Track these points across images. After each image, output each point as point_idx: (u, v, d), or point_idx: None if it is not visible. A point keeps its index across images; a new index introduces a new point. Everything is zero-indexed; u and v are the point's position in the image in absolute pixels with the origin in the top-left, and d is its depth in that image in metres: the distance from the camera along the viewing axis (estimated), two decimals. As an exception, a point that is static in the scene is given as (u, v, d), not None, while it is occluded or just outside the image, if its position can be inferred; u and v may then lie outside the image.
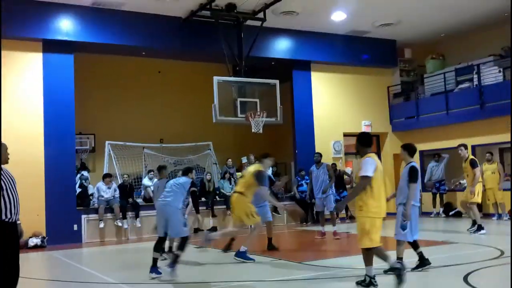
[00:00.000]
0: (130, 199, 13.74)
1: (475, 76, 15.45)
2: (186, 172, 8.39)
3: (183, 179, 8.10)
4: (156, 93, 17.61)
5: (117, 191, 13.55)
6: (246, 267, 8.38)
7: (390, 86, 18.07)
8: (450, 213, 15.65)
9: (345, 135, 17.33)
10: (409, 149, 7.42)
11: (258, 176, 8.75)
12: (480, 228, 11.18)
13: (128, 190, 13.89)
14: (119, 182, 14.27)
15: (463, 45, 17.48)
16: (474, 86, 15.51)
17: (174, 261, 7.52)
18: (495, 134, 15.01)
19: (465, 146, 11.46)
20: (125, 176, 14.21)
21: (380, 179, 6.23)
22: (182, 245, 7.59)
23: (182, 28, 14.43)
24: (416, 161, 7.65)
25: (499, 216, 14.01)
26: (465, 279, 6.46)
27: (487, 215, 14.38)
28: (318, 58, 16.67)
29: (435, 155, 16.13)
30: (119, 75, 17.02)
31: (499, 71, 14.99)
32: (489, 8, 14.81)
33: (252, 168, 9.08)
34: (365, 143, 6.41)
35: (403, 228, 7.01)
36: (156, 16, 13.99)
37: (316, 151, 11.90)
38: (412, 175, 7.06)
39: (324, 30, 16.18)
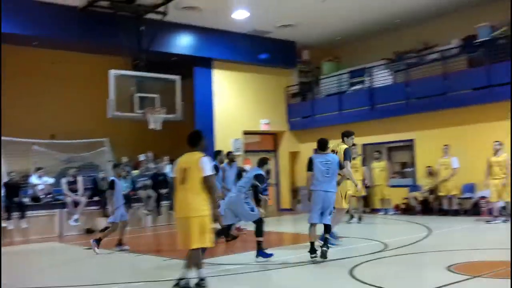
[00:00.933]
0: (16, 198, 12.86)
1: (367, 78, 16.27)
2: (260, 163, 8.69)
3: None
4: (48, 86, 16.65)
5: (3, 190, 12.62)
6: (137, 268, 8.19)
7: (289, 86, 18.54)
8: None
9: (245, 133, 17.53)
10: (318, 143, 8.21)
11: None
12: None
13: (14, 188, 12.99)
14: (5, 180, 13.27)
15: (357, 48, 18.36)
16: (366, 88, 16.34)
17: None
18: (384, 134, 15.94)
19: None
20: (12, 174, 13.29)
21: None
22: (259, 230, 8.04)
23: (79, 18, 13.70)
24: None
25: (386, 211, 14.90)
26: (351, 272, 6.76)
27: (374, 211, 15.22)
28: (220, 56, 16.70)
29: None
30: (7, 65, 15.84)
31: (390, 74, 15.91)
32: (382, 15, 15.66)
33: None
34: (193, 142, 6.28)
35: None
36: (50, 4, 13.23)
37: (217, 149, 11.88)
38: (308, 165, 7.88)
39: (226, 28, 16.23)
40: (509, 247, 8.34)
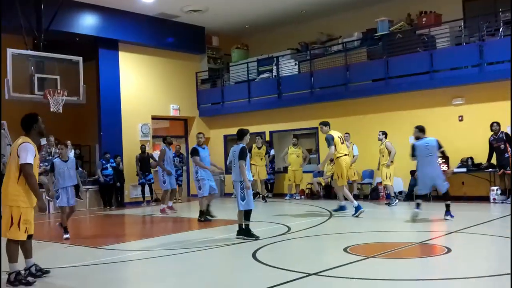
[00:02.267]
0: None
1: (275, 67, 16.63)
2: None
3: None
4: None
5: None
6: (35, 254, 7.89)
7: (198, 72, 18.48)
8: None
9: (153, 118, 17.28)
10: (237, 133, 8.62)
11: None
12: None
13: None
14: None
15: (265, 37, 18.70)
16: (274, 76, 16.69)
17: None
18: (290, 121, 16.43)
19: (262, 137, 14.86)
20: None
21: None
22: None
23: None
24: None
25: (291, 196, 15.42)
26: (254, 254, 6.98)
27: (280, 195, 15.72)
28: (126, 38, 16.28)
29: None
30: None
31: (295, 64, 16.35)
32: (289, 5, 16.04)
33: None
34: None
35: (242, 199, 8.23)
36: None
37: (199, 132, 11.80)
38: (241, 154, 8.23)
39: (132, 9, 15.85)
40: (400, 229, 9.03)
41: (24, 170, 5.63)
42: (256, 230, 8.47)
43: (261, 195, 14.89)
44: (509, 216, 9.14)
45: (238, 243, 8.01)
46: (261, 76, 17.17)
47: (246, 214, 8.36)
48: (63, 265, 6.97)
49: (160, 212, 12.80)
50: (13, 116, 15.15)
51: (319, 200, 14.58)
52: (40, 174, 13.95)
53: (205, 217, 10.91)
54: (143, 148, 15.85)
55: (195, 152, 10.95)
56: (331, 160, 14.64)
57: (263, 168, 15.14)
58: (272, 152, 16.37)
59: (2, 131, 15.06)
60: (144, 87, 17.03)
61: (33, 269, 5.97)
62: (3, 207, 5.65)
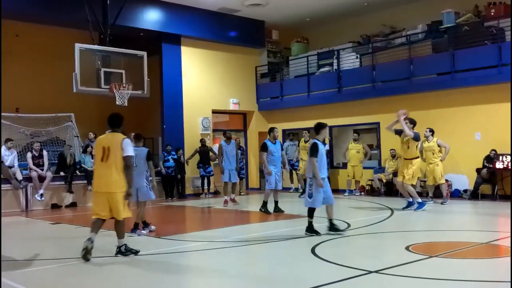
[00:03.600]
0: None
1: (335, 61, 16.43)
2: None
3: None
4: (13, 58, 16.20)
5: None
6: (103, 243, 8.20)
7: (258, 66, 18.54)
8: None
9: (214, 112, 17.51)
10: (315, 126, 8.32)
11: None
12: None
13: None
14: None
15: (326, 30, 18.48)
16: (334, 70, 16.49)
17: None
18: (350, 116, 16.19)
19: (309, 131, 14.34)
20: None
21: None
22: None
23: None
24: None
25: (350, 192, 15.22)
26: (313, 250, 6.95)
27: (338, 191, 15.55)
28: (188, 32, 16.56)
29: (291, 134, 16.90)
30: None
31: (356, 57, 16.09)
32: (351, -2, 15.79)
33: None
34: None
35: (310, 196, 8.03)
36: (13, -26, 12.84)
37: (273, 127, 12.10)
38: (312, 151, 7.96)
39: (194, 4, 16.09)
40: (465, 229, 8.72)
41: (127, 161, 6.59)
42: (315, 226, 8.40)
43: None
44: None
45: (297, 237, 7.99)
46: (321, 69, 17.02)
47: (310, 211, 8.21)
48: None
49: (223, 204, 12.95)
50: (80, 108, 16.08)
51: (379, 197, 14.31)
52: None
53: (265, 209, 11.02)
54: (203, 141, 16.12)
55: (264, 147, 11.15)
56: (394, 157, 14.40)
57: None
58: (327, 147, 16.24)
59: (70, 123, 15.77)
60: (205, 81, 17.28)
61: (123, 248, 6.89)
62: (113, 194, 6.58)
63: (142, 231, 8.62)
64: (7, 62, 16.10)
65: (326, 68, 16.82)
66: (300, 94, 17.11)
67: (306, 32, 19.14)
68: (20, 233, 9.86)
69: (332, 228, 8.23)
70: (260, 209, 11.16)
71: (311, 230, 8.15)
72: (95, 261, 6.63)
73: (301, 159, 14.95)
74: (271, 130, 11.48)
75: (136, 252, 6.88)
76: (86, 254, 6.54)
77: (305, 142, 15.13)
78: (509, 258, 6.33)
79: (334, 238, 7.92)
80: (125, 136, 6.74)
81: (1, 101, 11.59)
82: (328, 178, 8.54)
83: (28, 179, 13.24)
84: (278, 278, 5.75)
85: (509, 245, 6.89)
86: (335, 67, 16.48)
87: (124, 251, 6.83)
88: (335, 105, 16.27)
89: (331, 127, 16.77)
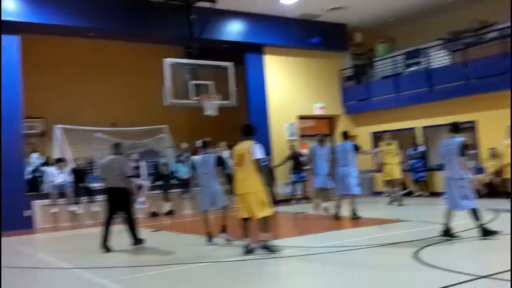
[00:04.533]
0: (83, 183, 13.49)
1: (423, 59, 15.89)
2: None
3: None
4: (107, 75, 17.22)
5: (70, 176, 13.27)
6: (206, 248, 8.45)
7: (342, 69, 18.36)
8: (402, 193, 16.09)
9: (300, 117, 17.54)
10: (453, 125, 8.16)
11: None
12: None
13: (81, 174, 13.63)
14: (72, 167, 13.92)
15: (411, 29, 17.93)
16: (422, 69, 15.96)
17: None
18: (443, 116, 15.53)
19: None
20: (79, 160, 13.94)
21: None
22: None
23: (131, 9, 14.16)
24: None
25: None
26: (414, 254, 6.74)
27: (436, 194, 14.95)
28: (271, 41, 16.75)
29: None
30: (68, 56, 16.52)
31: (447, 55, 15.47)
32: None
33: None
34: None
35: (464, 198, 7.67)
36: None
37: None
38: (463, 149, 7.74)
39: (275, 13, 16.24)
40: None
41: (256, 163, 7.36)
42: (415, 230, 8.20)
43: (393, 196, 13.68)
44: None
45: (395, 242, 7.78)
46: (409, 69, 16.54)
47: (475, 213, 7.74)
48: (220, 259, 7.38)
49: (315, 210, 12.57)
50: (173, 120, 16.71)
51: (481, 199, 13.56)
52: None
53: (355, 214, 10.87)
54: (293, 147, 16.16)
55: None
56: (494, 156, 13.67)
57: (396, 167, 13.75)
58: (422, 148, 15.75)
59: (163, 134, 16.43)
60: (289, 88, 17.36)
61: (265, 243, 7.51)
62: (250, 194, 7.34)
63: (229, 237, 8.63)
64: (101, 80, 17.15)
65: (414, 68, 16.32)
66: (388, 95, 16.72)
67: (390, 32, 18.70)
68: (125, 241, 10.39)
69: (485, 232, 7.71)
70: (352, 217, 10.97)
71: (487, 232, 7.67)
72: (181, 269, 6.84)
73: (386, 163, 13.81)
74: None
75: (276, 251, 7.37)
76: (248, 253, 7.36)
77: (388, 145, 14.03)
78: None
79: (437, 242, 7.62)
80: (254, 143, 7.52)
81: (1, 105, 12.21)
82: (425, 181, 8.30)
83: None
84: (379, 284, 5.63)
85: None
86: (423, 66, 15.94)
87: (267, 246, 7.40)
88: (426, 104, 15.71)
89: (423, 128, 16.25)
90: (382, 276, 5.98)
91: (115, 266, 7.48)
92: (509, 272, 5.52)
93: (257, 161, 7.36)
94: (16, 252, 9.60)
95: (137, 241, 8.75)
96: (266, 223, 7.47)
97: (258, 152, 7.42)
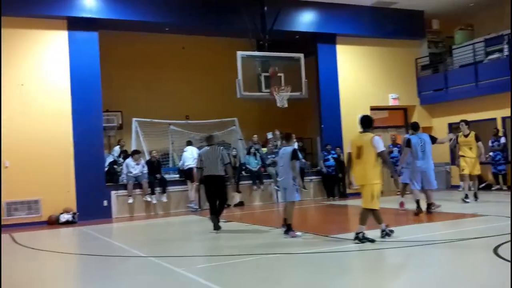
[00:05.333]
0: (158, 175, 13.90)
1: (506, 46, 15.00)
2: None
3: None
4: (181, 70, 17.62)
5: (146, 167, 13.71)
6: (277, 239, 8.45)
7: (418, 58, 17.71)
8: (480, 186, 15.32)
9: (372, 108, 17.10)
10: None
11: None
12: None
13: (156, 166, 14.04)
14: (147, 159, 14.39)
15: (492, 15, 16.94)
16: (504, 56, 15.07)
17: None
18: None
19: (466, 122, 12.36)
20: (154, 152, 14.37)
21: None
22: None
23: (205, 3, 14.41)
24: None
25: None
26: (495, 250, 6.39)
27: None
28: (343, 30, 16.42)
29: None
30: (143, 52, 17.06)
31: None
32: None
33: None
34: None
35: None
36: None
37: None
38: None
39: (348, 1, 15.89)
40: None
41: (382, 156, 7.46)
42: (493, 225, 7.76)
43: (467, 193, 12.22)
44: None
45: (473, 238, 7.42)
46: (490, 57, 15.66)
47: None
48: (297, 251, 7.36)
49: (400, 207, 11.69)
50: (243, 113, 16.85)
51: None
52: (268, 165, 15.11)
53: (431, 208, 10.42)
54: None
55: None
56: None
57: (475, 161, 12.25)
58: (503, 140, 14.90)
59: (234, 127, 16.60)
60: (361, 78, 16.98)
61: (386, 229, 7.75)
62: (366, 186, 7.46)
63: (297, 233, 8.48)
64: (175, 74, 17.56)
65: (496, 55, 15.43)
66: (466, 85, 15.94)
67: (470, 18, 17.75)
68: (197, 231, 10.60)
69: None
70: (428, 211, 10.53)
71: None
72: (255, 259, 6.85)
73: (463, 155, 12.35)
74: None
75: (372, 241, 7.38)
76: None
77: (465, 136, 12.44)
78: None
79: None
80: (374, 135, 7.49)
81: (1, 99, 12.48)
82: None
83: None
84: (460, 280, 5.37)
85: None
86: (505, 53, 15.03)
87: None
88: (508, 94, 14.81)
89: (504, 118, 15.40)
90: (461, 272, 5.72)
91: (189, 255, 7.62)
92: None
93: (382, 153, 7.43)
94: (96, 240, 10.04)
95: (217, 227, 9.54)
96: (366, 216, 7.53)
97: (381, 145, 7.44)
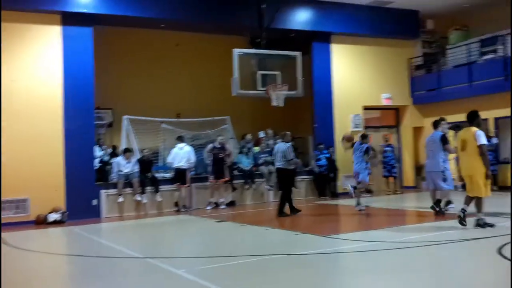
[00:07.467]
0: (149, 173, 13.66)
1: (500, 47, 14.98)
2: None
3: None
4: (173, 67, 17.32)
5: (137, 166, 13.46)
6: (270, 240, 8.30)
7: (412, 58, 17.66)
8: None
9: (365, 108, 17.03)
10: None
11: None
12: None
13: (147, 164, 13.79)
14: (137, 157, 14.12)
15: (487, 15, 16.92)
16: (499, 57, 15.05)
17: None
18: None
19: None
20: (145, 150, 14.12)
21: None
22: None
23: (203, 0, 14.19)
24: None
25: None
26: (499, 251, 6.34)
27: (506, 188, 14.08)
28: (339, 29, 16.31)
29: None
30: (136, 48, 16.76)
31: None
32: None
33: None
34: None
35: None
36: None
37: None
38: None
39: (345, 0, 15.77)
40: None
41: (481, 149, 7.98)
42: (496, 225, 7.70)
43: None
44: None
45: (477, 238, 7.35)
46: (484, 57, 15.64)
47: None
48: (297, 251, 7.22)
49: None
50: (235, 111, 16.65)
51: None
52: (260, 164, 14.93)
53: (440, 208, 10.21)
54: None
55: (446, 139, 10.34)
56: None
57: None
58: (495, 140, 14.85)
59: (226, 125, 16.38)
60: (355, 77, 16.88)
61: (480, 222, 8.21)
62: (472, 176, 8.04)
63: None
64: (168, 71, 17.29)
65: (490, 55, 15.41)
66: (460, 85, 15.89)
67: (465, 19, 17.71)
68: (191, 231, 10.41)
69: None
70: (437, 211, 10.28)
71: None
72: (253, 261, 6.69)
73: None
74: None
75: (492, 225, 8.07)
76: (461, 221, 8.13)
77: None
78: None
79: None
80: (478, 129, 8.07)
81: (1, 100, 12.26)
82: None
83: (191, 179, 14.00)
84: (462, 282, 5.27)
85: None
86: (500, 53, 15.02)
87: (482, 224, 8.10)
88: (502, 94, 14.80)
89: (497, 119, 15.39)
90: (464, 273, 5.66)
91: (186, 256, 7.43)
92: None
93: (482, 146, 7.94)
94: (87, 240, 9.78)
95: (281, 213, 11.12)
96: (479, 203, 8.13)
97: (483, 139, 7.96)
